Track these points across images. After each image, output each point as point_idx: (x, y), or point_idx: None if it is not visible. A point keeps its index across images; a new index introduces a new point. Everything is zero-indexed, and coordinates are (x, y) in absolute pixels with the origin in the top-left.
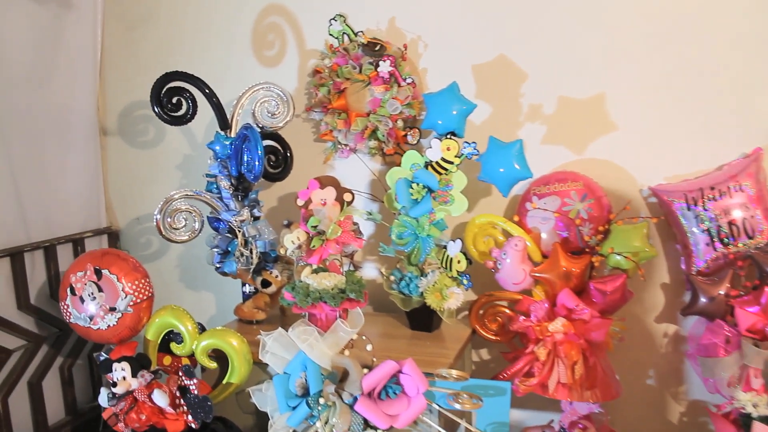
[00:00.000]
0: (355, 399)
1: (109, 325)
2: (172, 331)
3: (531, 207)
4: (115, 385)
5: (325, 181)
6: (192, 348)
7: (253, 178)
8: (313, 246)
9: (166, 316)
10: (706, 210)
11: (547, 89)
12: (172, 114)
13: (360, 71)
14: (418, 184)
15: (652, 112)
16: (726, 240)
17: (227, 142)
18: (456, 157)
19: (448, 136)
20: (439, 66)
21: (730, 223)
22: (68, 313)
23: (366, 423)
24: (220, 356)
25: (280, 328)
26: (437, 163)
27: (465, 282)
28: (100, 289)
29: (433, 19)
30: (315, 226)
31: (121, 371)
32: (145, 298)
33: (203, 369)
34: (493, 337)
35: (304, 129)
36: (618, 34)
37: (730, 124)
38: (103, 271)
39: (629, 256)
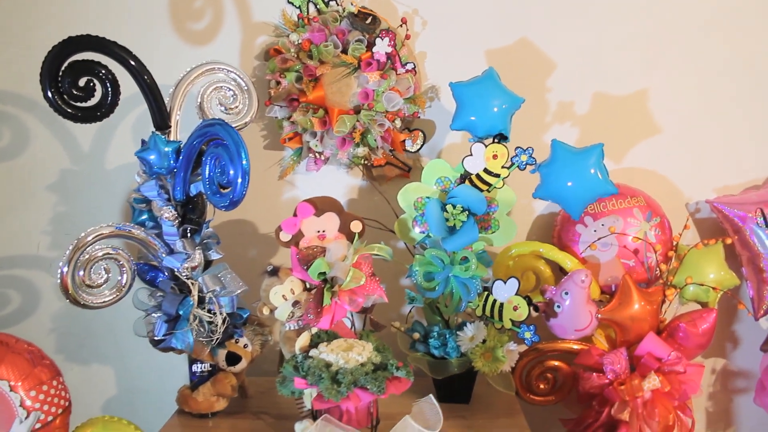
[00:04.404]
0: None
1: None
2: None
3: (608, 231)
4: None
5: (321, 205)
6: None
7: (228, 204)
8: (326, 303)
9: None
10: None
11: (581, 83)
12: (78, 104)
13: (345, 52)
14: (454, 206)
15: (702, 113)
16: None
17: (168, 149)
18: (504, 167)
19: (496, 140)
20: (442, 50)
21: None
22: None
23: None
24: None
25: None
26: (477, 176)
27: (528, 335)
28: None
29: None
30: (323, 273)
31: None
32: (60, 411)
33: None
34: (542, 399)
35: (249, 132)
36: (666, 19)
37: None
38: None
39: (717, 287)
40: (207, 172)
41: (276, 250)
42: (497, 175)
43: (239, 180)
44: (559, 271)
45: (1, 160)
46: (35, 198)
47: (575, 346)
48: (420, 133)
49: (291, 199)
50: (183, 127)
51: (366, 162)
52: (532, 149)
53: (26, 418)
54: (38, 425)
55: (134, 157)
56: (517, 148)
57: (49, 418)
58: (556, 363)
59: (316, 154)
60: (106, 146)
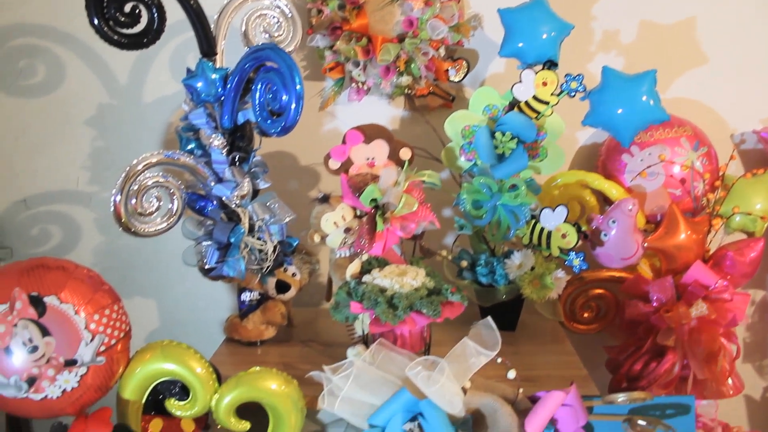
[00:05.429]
0: None
1: (64, 390)
2: (164, 381)
3: (654, 160)
4: None
5: (370, 132)
6: (210, 405)
7: (280, 130)
8: (379, 229)
9: (156, 361)
10: None
11: (626, 11)
12: (124, 31)
13: None
14: (503, 134)
15: (749, 41)
16: None
17: (216, 76)
18: (553, 95)
19: (546, 67)
20: None
21: None
22: None
23: None
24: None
25: (356, 359)
26: (526, 103)
27: (576, 263)
28: (45, 332)
29: None
30: (374, 200)
31: None
32: (121, 335)
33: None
34: (586, 328)
35: None
36: None
37: None
38: (46, 299)
39: (765, 216)
40: (257, 98)
41: (316, 182)
42: (546, 103)
43: (293, 105)
44: (604, 201)
45: (37, 96)
46: (73, 133)
47: (619, 275)
48: (464, 62)
49: (332, 130)
50: (226, 57)
51: (409, 92)
52: (582, 76)
53: (91, 340)
54: (102, 348)
55: (172, 90)
56: (567, 75)
57: (113, 342)
58: (600, 291)
59: (359, 84)
60: (143, 80)
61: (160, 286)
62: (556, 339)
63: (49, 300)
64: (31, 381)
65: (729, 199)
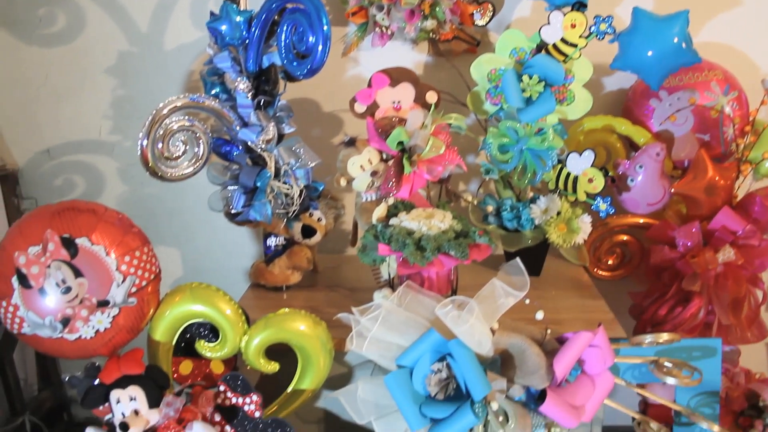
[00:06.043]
0: (530, 394)
1: (97, 331)
2: (194, 324)
3: (682, 104)
4: (125, 427)
5: (396, 75)
6: (239, 347)
7: (306, 72)
8: (406, 171)
9: (186, 303)
10: None
11: None
12: None
13: None
14: (531, 77)
15: None
16: None
17: (240, 19)
18: (581, 37)
19: (575, 8)
20: None
21: None
22: (14, 320)
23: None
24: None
25: (384, 301)
26: (554, 46)
27: (603, 207)
28: (77, 273)
29: None
30: (401, 143)
31: (129, 402)
32: (152, 277)
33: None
34: (610, 274)
35: None
36: None
37: None
38: (77, 240)
39: None
40: (283, 40)
41: (340, 128)
42: (575, 45)
43: (320, 47)
44: (630, 147)
45: (57, 45)
46: (94, 82)
47: (645, 221)
48: (489, 5)
49: (355, 76)
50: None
51: (433, 36)
52: (612, 18)
53: (123, 281)
54: (134, 289)
55: (193, 38)
56: (596, 16)
57: (143, 283)
58: (625, 237)
59: (383, 29)
60: (164, 27)
61: (183, 234)
62: (581, 284)
63: (81, 242)
64: (65, 321)
65: (759, 145)
